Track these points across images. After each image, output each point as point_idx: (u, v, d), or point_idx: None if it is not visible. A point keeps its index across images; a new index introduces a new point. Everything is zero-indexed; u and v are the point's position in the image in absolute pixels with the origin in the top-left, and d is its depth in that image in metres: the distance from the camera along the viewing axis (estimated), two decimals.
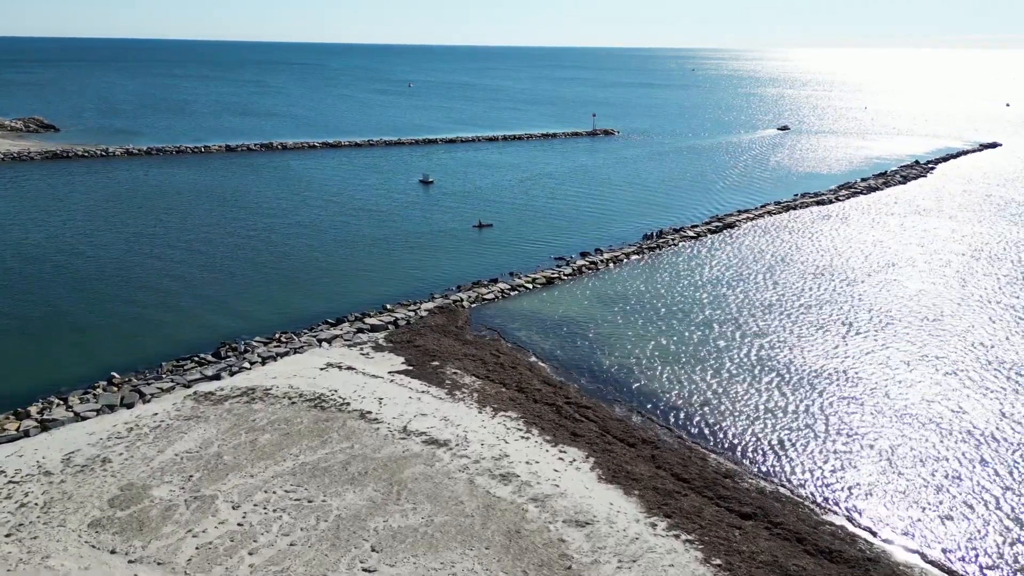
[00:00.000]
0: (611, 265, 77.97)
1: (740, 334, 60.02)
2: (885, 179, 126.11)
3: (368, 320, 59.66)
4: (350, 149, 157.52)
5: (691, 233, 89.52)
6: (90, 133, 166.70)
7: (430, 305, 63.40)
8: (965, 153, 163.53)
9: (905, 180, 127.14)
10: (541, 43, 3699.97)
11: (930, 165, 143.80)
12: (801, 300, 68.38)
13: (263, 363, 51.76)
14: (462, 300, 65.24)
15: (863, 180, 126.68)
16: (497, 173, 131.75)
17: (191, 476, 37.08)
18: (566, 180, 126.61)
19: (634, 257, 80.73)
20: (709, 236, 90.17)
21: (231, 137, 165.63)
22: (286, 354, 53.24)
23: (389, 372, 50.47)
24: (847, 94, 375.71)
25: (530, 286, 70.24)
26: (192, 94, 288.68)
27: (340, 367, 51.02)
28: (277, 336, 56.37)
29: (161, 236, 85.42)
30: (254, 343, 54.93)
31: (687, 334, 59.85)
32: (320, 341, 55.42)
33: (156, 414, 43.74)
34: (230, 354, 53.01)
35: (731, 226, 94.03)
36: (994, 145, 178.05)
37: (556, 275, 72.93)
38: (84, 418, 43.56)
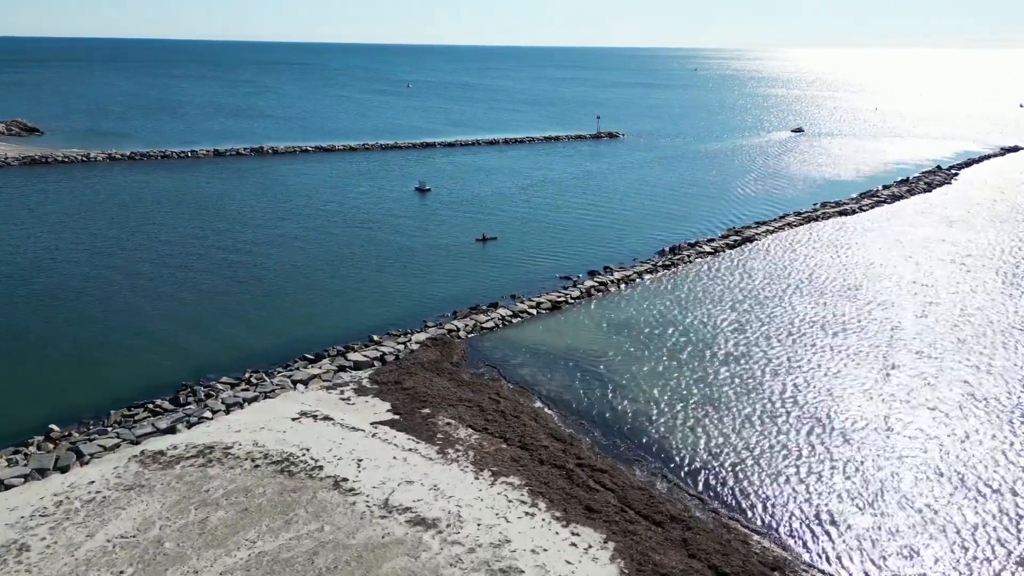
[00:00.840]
0: (622, 286, 71.16)
1: (770, 370, 53.20)
2: (909, 187, 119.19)
3: (351, 356, 52.82)
4: (344, 153, 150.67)
5: (708, 248, 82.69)
6: (75, 136, 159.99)
7: (422, 336, 56.57)
8: (987, 158, 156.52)
9: (929, 188, 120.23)
10: (541, 43, 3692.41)
11: (953, 171, 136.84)
12: (833, 328, 61.54)
13: (227, 411, 44.99)
14: (458, 330, 58.44)
15: (885, 187, 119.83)
16: (497, 179, 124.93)
17: (121, 574, 30.30)
18: (571, 187, 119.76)
19: (647, 276, 73.90)
20: (727, 251, 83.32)
21: (221, 140, 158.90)
22: (255, 399, 46.45)
23: (372, 423, 43.67)
24: (853, 95, 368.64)
25: (534, 311, 63.43)
26: (186, 95, 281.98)
27: (316, 416, 44.22)
28: (247, 376, 49.57)
29: (132, 250, 78.67)
30: (219, 385, 48.11)
31: (710, 370, 53.05)
32: (295, 383, 48.63)
33: (93, 482, 36.94)
34: (190, 399, 46.22)
35: (750, 240, 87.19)
36: (1016, 149, 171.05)
37: (562, 298, 66.13)
38: (8, 486, 36.81)
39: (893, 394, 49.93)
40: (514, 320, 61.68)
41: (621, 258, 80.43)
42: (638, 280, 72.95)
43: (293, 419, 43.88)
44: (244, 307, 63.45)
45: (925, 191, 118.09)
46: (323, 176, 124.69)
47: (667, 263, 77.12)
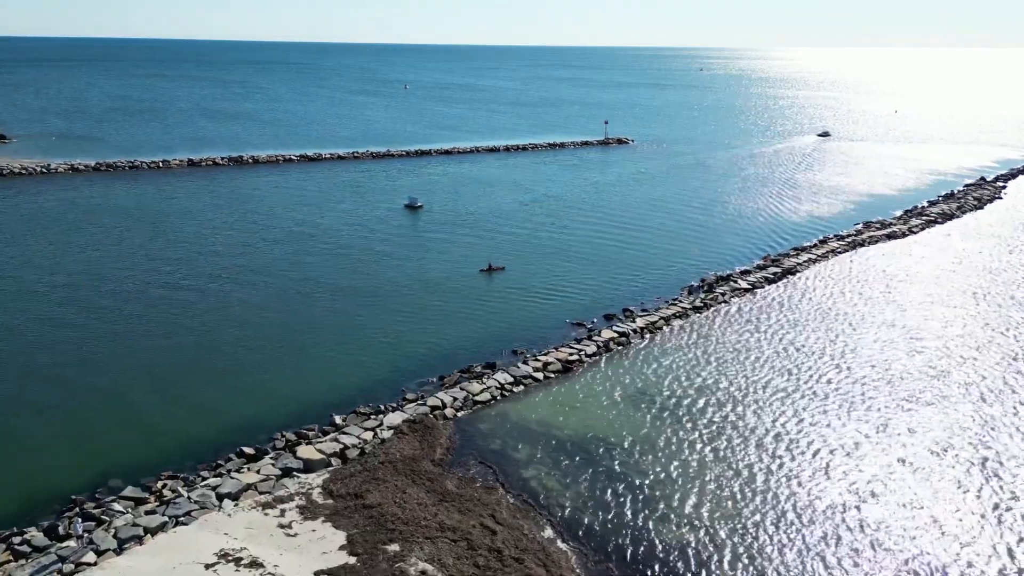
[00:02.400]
0: (646, 336, 58.61)
1: (841, 475, 40.69)
2: (957, 203, 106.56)
3: (302, 451, 40.35)
4: (330, 163, 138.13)
5: (744, 283, 70.15)
6: (43, 144, 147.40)
7: (398, 419, 44.03)
8: None
9: (980, 204, 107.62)
10: (541, 43, 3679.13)
11: (999, 184, 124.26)
12: (916, 408, 48.99)
13: (119, 549, 32.56)
14: (444, 406, 45.94)
15: (931, 204, 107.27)
16: (497, 194, 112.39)
17: None
18: (579, 203, 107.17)
19: (676, 323, 61.34)
20: (766, 287, 70.75)
21: (200, 148, 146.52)
22: (162, 527, 33.99)
23: (316, 573, 31.19)
24: (867, 96, 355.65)
25: (540, 376, 50.90)
26: (172, 96, 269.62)
27: (240, 561, 31.76)
28: (157, 488, 37.10)
29: (50, 293, 65.98)
30: (117, 506, 35.58)
31: (758, 467, 40.56)
32: (221, 498, 36.14)
33: None
34: (72, 529, 33.73)
35: (791, 272, 74.64)
36: None
37: (575, 355, 53.61)
38: None
39: None
40: (516, 389, 49.18)
41: (642, 294, 68.02)
42: (665, 327, 60.40)
43: (208, 566, 31.42)
44: (171, 373, 50.77)
45: (975, 208, 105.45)
46: (304, 190, 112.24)
47: (698, 305, 64.54)
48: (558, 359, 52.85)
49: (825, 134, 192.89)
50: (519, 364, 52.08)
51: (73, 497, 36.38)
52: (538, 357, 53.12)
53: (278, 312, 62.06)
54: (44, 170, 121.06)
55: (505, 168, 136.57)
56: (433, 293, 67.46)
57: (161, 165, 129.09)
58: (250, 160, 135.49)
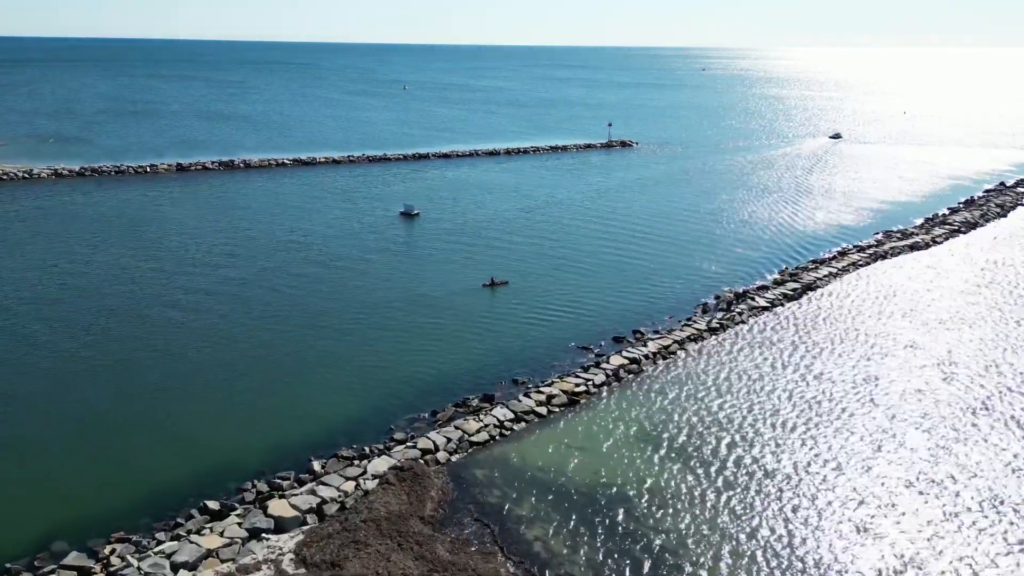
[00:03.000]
0: (659, 362, 53.79)
1: (877, 536, 35.90)
2: (980, 211, 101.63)
3: (274, 505, 35.55)
4: (325, 167, 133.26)
5: (762, 301, 65.27)
6: (30, 147, 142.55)
7: (383, 466, 39.20)
8: None
9: (1003, 211, 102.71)
10: (541, 42, 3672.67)
11: (1021, 189, 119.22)
12: (958, 448, 44.17)
13: None
14: (437, 449, 41.15)
15: (952, 211, 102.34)
16: (497, 200, 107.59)
17: None
18: (583, 211, 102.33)
19: (690, 346, 56.50)
20: (786, 305, 65.86)
21: (190, 151, 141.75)
22: None
23: None
24: (873, 96, 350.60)
25: (544, 411, 46.09)
26: (167, 97, 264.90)
27: None
28: (105, 555, 32.30)
29: (15, 308, 61.24)
30: None
31: (794, 527, 35.74)
32: (177, 568, 31.34)
33: None
34: None
35: (811, 287, 69.79)
36: None
37: (582, 386, 48.82)
38: None
39: None
40: (516, 426, 44.37)
41: (653, 312, 63.26)
42: (678, 352, 55.56)
43: None
44: (130, 408, 45.89)
45: (999, 215, 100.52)
46: (296, 196, 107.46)
47: (714, 326, 59.67)
48: (563, 391, 48.04)
49: (837, 136, 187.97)
50: (520, 397, 47.28)
51: (8, 566, 31.60)
52: (541, 388, 48.30)
53: (256, 335, 57.23)
54: (26, 175, 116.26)
55: (505, 172, 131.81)
56: (428, 312, 62.62)
57: (148, 170, 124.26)
58: (241, 164, 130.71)
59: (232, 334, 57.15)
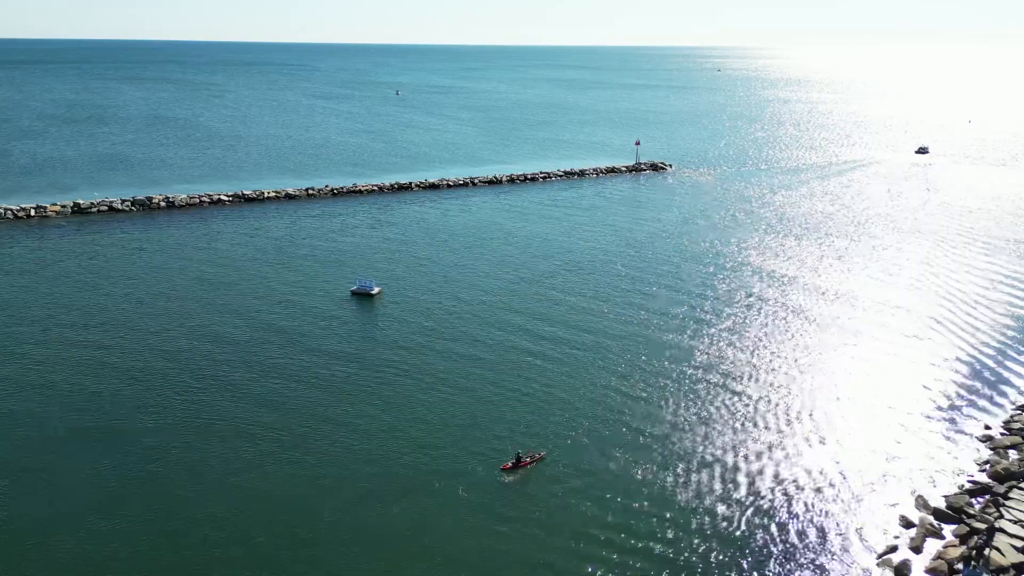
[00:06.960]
0: None
1: None
2: None
3: None
4: (278, 204, 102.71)
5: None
6: None
7: None
8: None
9: None
10: (541, 42, 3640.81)
11: None
12: None
13: None
14: None
15: None
16: (497, 260, 76.83)
17: None
18: (618, 280, 71.33)
19: None
20: None
21: (107, 179, 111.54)
22: None
23: None
24: (924, 101, 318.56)
25: None
26: (126, 103, 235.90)
27: None
28: None
29: None
30: None
31: None
32: None
33: None
34: None
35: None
36: None
37: None
38: None
39: None
40: None
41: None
42: None
43: None
44: None
45: None
46: (211, 255, 76.89)
47: None
48: None
49: (923, 151, 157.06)
50: None
51: None
52: None
53: None
54: None
55: (508, 210, 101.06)
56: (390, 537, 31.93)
57: (34, 213, 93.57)
58: (161, 203, 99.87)
59: None
